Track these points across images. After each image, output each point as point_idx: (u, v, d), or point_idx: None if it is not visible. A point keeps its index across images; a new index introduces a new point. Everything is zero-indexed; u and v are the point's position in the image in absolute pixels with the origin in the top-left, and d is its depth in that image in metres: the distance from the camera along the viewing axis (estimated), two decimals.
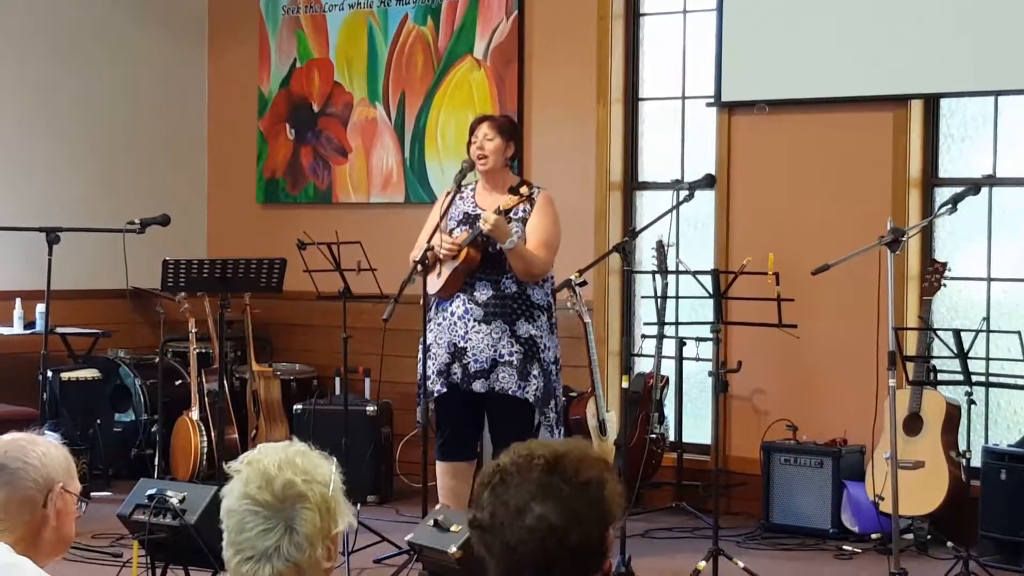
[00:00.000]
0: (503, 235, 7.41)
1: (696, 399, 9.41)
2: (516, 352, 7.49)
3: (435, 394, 7.56)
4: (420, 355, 7.63)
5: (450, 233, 7.61)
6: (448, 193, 7.71)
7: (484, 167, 7.65)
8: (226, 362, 9.13)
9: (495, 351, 7.48)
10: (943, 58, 8.48)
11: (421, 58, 10.29)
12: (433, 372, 7.55)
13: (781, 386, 9.01)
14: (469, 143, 7.70)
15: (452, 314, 7.57)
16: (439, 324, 7.58)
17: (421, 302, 7.54)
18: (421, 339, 7.63)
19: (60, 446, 3.61)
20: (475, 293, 7.55)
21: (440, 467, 7.70)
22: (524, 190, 7.46)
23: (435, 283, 7.57)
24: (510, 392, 7.47)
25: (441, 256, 7.48)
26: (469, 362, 7.50)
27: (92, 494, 8.63)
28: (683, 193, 8.00)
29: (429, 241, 7.49)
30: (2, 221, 9.01)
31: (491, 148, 7.63)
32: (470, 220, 7.61)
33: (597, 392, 8.50)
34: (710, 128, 9.32)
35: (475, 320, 7.53)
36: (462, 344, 7.52)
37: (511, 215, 7.47)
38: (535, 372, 7.51)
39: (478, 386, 7.50)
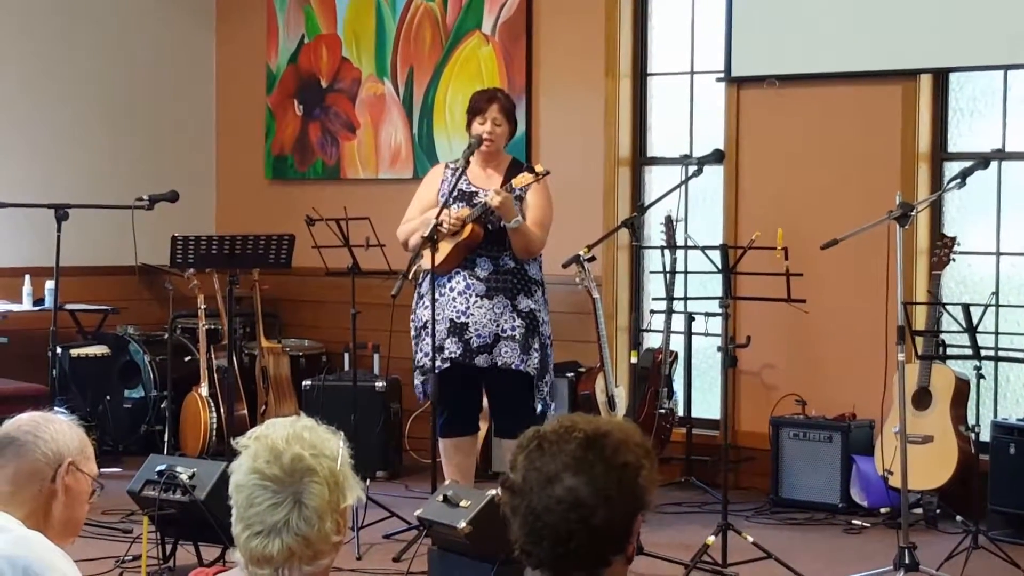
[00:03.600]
0: (510, 213, 7.44)
1: (705, 374, 9.40)
2: (519, 326, 7.52)
3: (436, 370, 7.57)
4: (413, 332, 7.65)
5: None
6: (451, 169, 7.73)
7: (489, 149, 7.67)
8: (235, 338, 9.13)
9: (497, 326, 7.51)
10: (952, 32, 8.46)
11: (429, 33, 10.27)
12: (432, 348, 7.55)
13: (790, 361, 9.01)
14: (472, 120, 7.68)
15: (452, 290, 7.58)
16: (436, 301, 7.57)
17: (410, 276, 7.51)
18: (412, 316, 7.64)
19: (77, 427, 3.63)
20: (476, 269, 7.57)
21: (444, 444, 7.71)
22: (540, 168, 7.49)
23: (431, 258, 7.57)
24: (513, 366, 7.50)
25: (443, 229, 7.49)
26: (471, 337, 7.52)
27: (102, 470, 8.63)
28: (692, 168, 7.99)
29: (438, 217, 7.48)
30: (11, 198, 9.01)
31: (499, 133, 7.68)
32: (465, 197, 7.62)
33: (606, 367, 8.50)
34: (719, 103, 9.30)
35: (477, 295, 7.54)
36: (463, 320, 7.53)
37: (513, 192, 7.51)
38: (535, 346, 7.56)
39: (480, 361, 7.52)
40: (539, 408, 7.61)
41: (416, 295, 7.70)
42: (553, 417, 2.82)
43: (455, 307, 7.55)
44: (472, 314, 7.53)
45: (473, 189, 7.64)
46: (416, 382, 7.75)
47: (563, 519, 2.70)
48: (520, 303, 7.56)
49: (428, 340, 7.52)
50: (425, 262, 7.55)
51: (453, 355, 7.54)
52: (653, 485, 2.76)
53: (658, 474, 2.80)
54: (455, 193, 7.64)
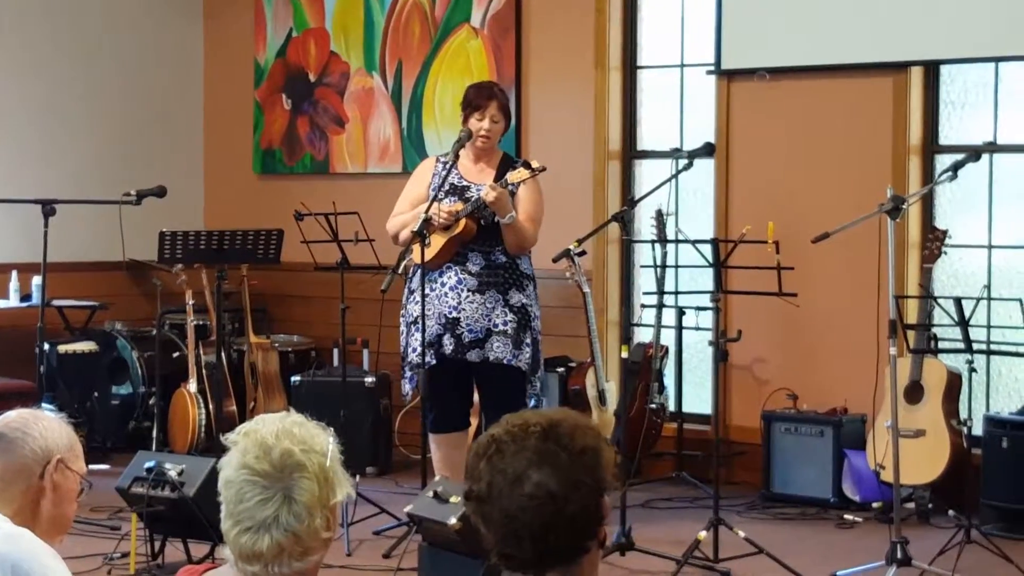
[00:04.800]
0: (505, 208, 7.42)
1: (696, 369, 9.38)
2: (510, 321, 7.49)
3: (426, 366, 7.53)
4: (402, 327, 7.62)
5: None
6: (441, 163, 7.70)
7: (485, 146, 7.64)
8: (224, 334, 9.10)
9: (489, 320, 7.48)
10: (943, 24, 8.44)
11: (418, 27, 10.24)
12: (421, 344, 7.51)
13: (781, 355, 8.99)
14: (469, 116, 7.63)
15: (443, 284, 7.55)
16: (427, 296, 7.54)
17: (400, 270, 7.48)
18: (402, 312, 7.61)
19: (66, 425, 3.63)
20: (467, 264, 7.54)
21: (434, 439, 7.69)
22: (536, 164, 7.47)
23: (425, 253, 7.54)
24: (504, 361, 7.48)
25: (436, 223, 7.45)
26: (463, 332, 7.49)
27: (90, 467, 8.59)
28: (682, 162, 7.97)
29: (427, 212, 7.45)
30: None
31: (496, 131, 7.64)
32: (457, 191, 7.59)
33: (596, 362, 8.48)
34: (709, 96, 9.28)
35: (469, 290, 7.51)
36: (454, 315, 7.50)
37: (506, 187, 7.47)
38: (527, 341, 7.54)
39: (472, 356, 7.49)
40: (531, 403, 7.58)
41: (407, 290, 7.67)
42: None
43: (447, 302, 7.52)
44: (464, 309, 7.50)
45: (465, 183, 7.61)
46: (405, 377, 7.71)
47: (538, 514, 2.70)
48: (512, 298, 7.53)
49: (418, 335, 7.49)
50: (416, 257, 7.51)
51: (445, 350, 7.51)
52: (612, 464, 2.78)
53: (613, 452, 2.81)
54: (446, 187, 7.60)
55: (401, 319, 7.70)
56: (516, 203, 7.54)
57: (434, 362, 7.51)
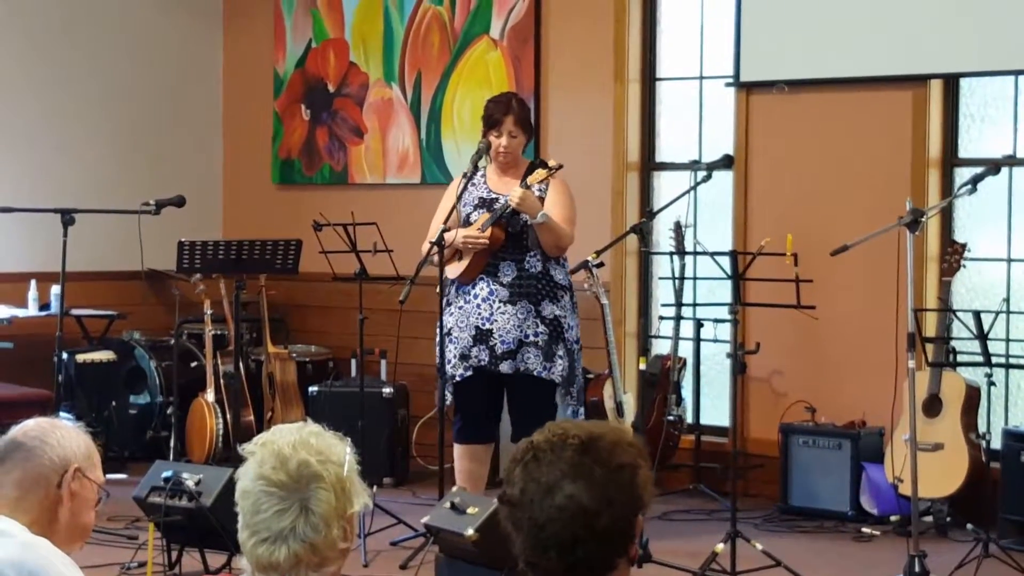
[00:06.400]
0: (533, 209, 7.40)
1: (714, 381, 9.37)
2: (542, 333, 7.48)
3: (458, 378, 7.54)
4: (437, 339, 7.61)
5: (467, 219, 7.59)
6: (465, 175, 7.68)
7: (507, 161, 7.62)
8: (242, 344, 9.11)
9: (521, 331, 7.47)
10: (963, 37, 8.42)
11: (437, 38, 10.25)
12: (455, 356, 7.53)
13: (799, 368, 8.97)
14: (488, 130, 7.62)
15: (476, 296, 7.54)
16: (460, 308, 7.55)
17: (437, 289, 7.51)
18: (438, 323, 7.60)
19: (84, 434, 3.62)
20: (499, 275, 7.53)
21: (458, 450, 7.68)
22: (553, 163, 7.46)
23: (456, 268, 7.55)
24: (535, 373, 7.46)
25: (466, 249, 7.46)
26: (496, 343, 7.48)
27: (107, 476, 8.60)
28: (701, 174, 7.98)
29: (445, 222, 7.46)
30: (17, 202, 8.98)
31: (515, 145, 7.62)
32: (486, 204, 7.59)
33: (614, 374, 8.47)
34: (728, 108, 9.27)
35: (500, 301, 7.50)
36: (487, 326, 7.49)
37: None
38: (560, 353, 7.50)
39: (505, 367, 7.48)
40: (568, 413, 7.57)
41: (444, 302, 7.66)
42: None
43: (479, 314, 7.52)
44: (496, 320, 7.49)
45: (494, 196, 7.60)
46: (441, 389, 7.67)
47: (567, 527, 2.70)
48: (544, 309, 7.51)
49: (450, 347, 7.51)
50: (450, 271, 7.53)
51: (480, 362, 7.50)
52: (650, 483, 2.77)
53: (651, 472, 2.79)
54: (475, 201, 7.61)
55: (437, 330, 7.69)
56: (547, 206, 7.51)
57: (469, 374, 7.52)
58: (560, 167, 7.51)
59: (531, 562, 2.75)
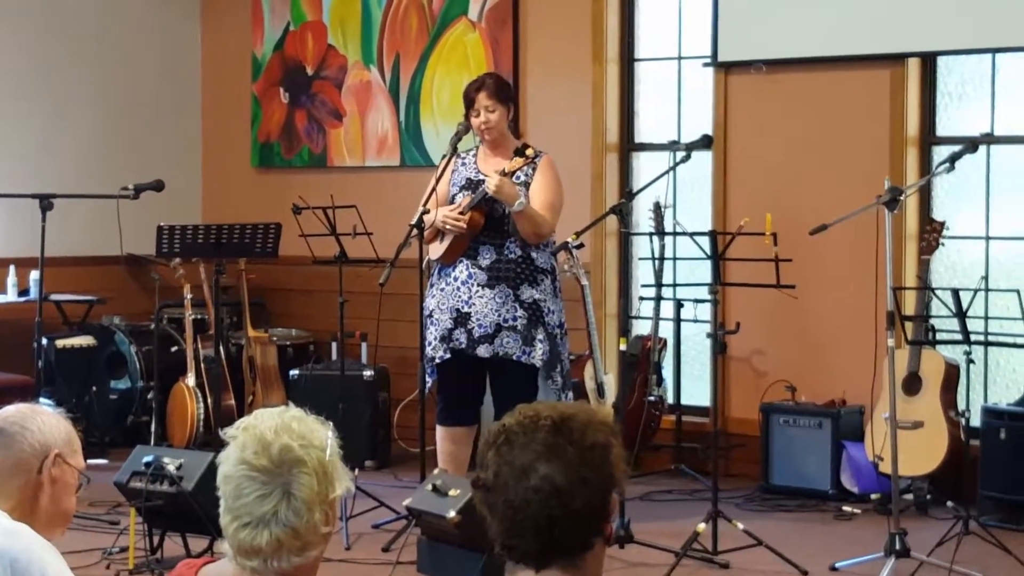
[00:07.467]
0: (510, 197, 7.39)
1: (694, 361, 9.38)
2: (520, 317, 7.47)
3: (438, 360, 7.54)
4: (420, 321, 7.61)
5: (452, 200, 7.58)
6: (445, 157, 7.67)
7: (490, 138, 7.61)
8: (222, 328, 9.09)
9: (499, 316, 7.46)
10: (940, 16, 8.43)
11: (415, 20, 10.23)
12: (436, 338, 7.53)
13: (780, 347, 8.99)
14: (468, 111, 7.63)
15: (455, 279, 7.54)
16: (442, 290, 7.55)
17: (420, 267, 7.52)
18: (421, 305, 7.60)
19: (65, 420, 3.62)
20: (478, 258, 7.52)
21: (440, 432, 7.68)
22: (530, 152, 7.42)
23: (438, 249, 7.55)
24: (514, 357, 7.46)
25: (446, 230, 7.45)
26: (473, 327, 7.48)
27: (88, 462, 8.59)
28: (680, 154, 7.95)
29: (424, 204, 7.46)
30: None
31: (495, 119, 7.59)
32: (473, 186, 7.58)
33: (595, 355, 8.46)
34: (707, 89, 9.28)
35: (479, 285, 7.50)
36: (466, 309, 7.49)
37: (514, 178, 7.44)
38: (540, 337, 7.49)
39: (483, 351, 7.47)
40: (553, 398, 7.54)
41: (429, 284, 7.67)
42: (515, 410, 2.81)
43: (459, 296, 7.51)
44: (474, 303, 7.48)
45: (481, 177, 7.58)
46: (422, 372, 7.68)
47: (542, 508, 2.70)
48: (523, 293, 7.50)
49: (431, 329, 7.51)
50: (432, 250, 7.52)
51: (459, 345, 7.50)
52: (622, 461, 2.77)
53: (624, 450, 2.80)
54: (462, 183, 7.60)
55: (420, 312, 7.69)
56: (531, 191, 7.50)
57: (448, 356, 7.52)
58: (536, 155, 7.46)
59: (508, 545, 2.75)
